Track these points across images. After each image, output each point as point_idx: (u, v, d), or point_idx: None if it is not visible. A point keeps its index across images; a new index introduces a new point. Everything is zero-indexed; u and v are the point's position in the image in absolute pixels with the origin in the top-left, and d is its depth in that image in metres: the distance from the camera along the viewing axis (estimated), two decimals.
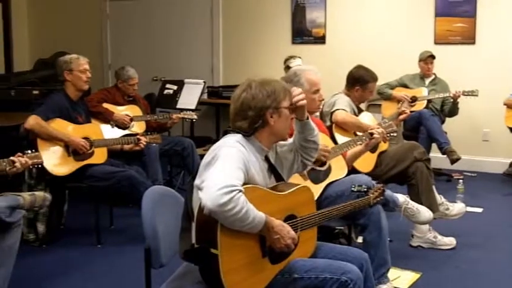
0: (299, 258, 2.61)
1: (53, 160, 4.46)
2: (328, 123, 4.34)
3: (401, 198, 4.03)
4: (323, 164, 3.64)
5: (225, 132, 2.66)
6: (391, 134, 4.16)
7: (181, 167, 6.33)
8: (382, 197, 3.22)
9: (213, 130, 8.12)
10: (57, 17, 9.23)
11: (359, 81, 4.51)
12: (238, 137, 2.57)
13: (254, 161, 2.55)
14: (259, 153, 2.62)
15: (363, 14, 7.60)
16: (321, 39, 7.86)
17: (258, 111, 2.57)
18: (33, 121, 4.42)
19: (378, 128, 4.04)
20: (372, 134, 3.99)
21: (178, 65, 8.39)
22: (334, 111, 4.34)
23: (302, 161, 2.85)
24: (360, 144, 3.99)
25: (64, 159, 4.54)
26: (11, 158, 3.45)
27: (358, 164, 4.13)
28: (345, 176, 3.76)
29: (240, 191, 2.27)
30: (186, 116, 6.00)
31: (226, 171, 2.33)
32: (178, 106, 6.36)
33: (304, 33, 7.94)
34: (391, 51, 7.38)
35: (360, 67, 4.59)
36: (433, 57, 6.79)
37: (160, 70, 8.39)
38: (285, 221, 2.51)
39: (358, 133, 4.25)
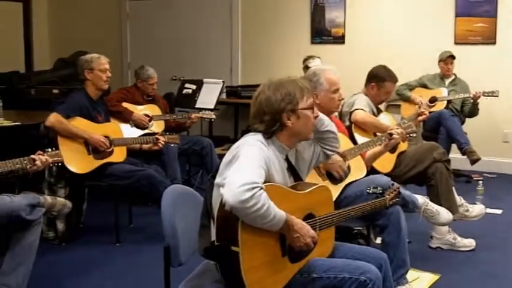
0: (318, 257, 2.61)
1: (73, 158, 4.48)
2: (347, 123, 4.33)
3: (421, 199, 4.01)
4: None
5: (245, 132, 2.66)
6: (411, 135, 4.14)
7: (199, 167, 6.34)
8: (398, 198, 3.20)
9: (231, 130, 8.13)
10: (77, 16, 9.29)
11: (375, 77, 4.47)
12: (259, 135, 2.58)
13: (274, 160, 2.55)
14: (280, 153, 2.62)
15: (383, 13, 7.58)
16: (340, 39, 7.84)
17: (273, 115, 2.56)
18: (53, 119, 4.45)
19: (397, 129, 4.02)
20: (391, 134, 3.97)
21: (197, 65, 8.41)
22: (353, 110, 4.33)
23: (324, 152, 2.86)
24: (379, 144, 3.97)
25: (84, 158, 4.56)
26: (32, 156, 3.48)
27: (377, 165, 4.11)
28: (364, 177, 3.75)
29: (262, 188, 2.28)
30: (204, 116, 6.02)
31: (247, 168, 2.33)
32: (197, 106, 6.38)
33: (323, 33, 7.92)
34: (410, 51, 7.34)
35: (381, 66, 4.55)
36: (453, 57, 6.74)
37: (180, 70, 8.41)
38: (303, 220, 2.51)
39: (377, 133, 4.23)
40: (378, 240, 3.94)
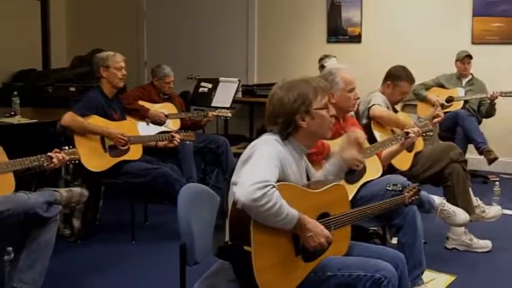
0: (333, 255, 2.61)
1: (89, 156, 4.49)
2: (364, 121, 4.30)
3: (438, 199, 3.99)
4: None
5: (260, 130, 2.66)
6: (427, 133, 4.12)
7: (215, 165, 6.35)
8: (417, 196, 3.19)
9: (247, 128, 8.13)
10: (94, 14, 9.32)
11: (392, 76, 4.44)
12: (276, 135, 2.58)
13: (291, 160, 2.54)
14: (297, 153, 2.62)
15: (400, 12, 7.54)
16: (356, 38, 7.81)
17: (287, 117, 2.55)
18: (69, 118, 4.47)
19: (414, 127, 4.00)
20: (407, 133, 3.95)
21: (213, 64, 8.41)
22: (370, 106, 4.31)
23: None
24: (395, 143, 3.95)
25: (100, 156, 4.58)
26: (49, 153, 3.51)
27: (395, 162, 4.10)
28: (380, 176, 3.73)
29: (274, 186, 2.27)
30: (220, 114, 6.02)
31: (261, 167, 2.33)
32: (213, 104, 6.39)
33: (339, 32, 7.90)
34: (427, 50, 7.30)
35: (400, 65, 4.50)
36: (470, 57, 6.70)
37: (196, 68, 8.42)
38: (318, 219, 2.51)
39: (395, 131, 4.22)
40: (394, 241, 3.92)
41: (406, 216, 3.48)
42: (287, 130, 2.57)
